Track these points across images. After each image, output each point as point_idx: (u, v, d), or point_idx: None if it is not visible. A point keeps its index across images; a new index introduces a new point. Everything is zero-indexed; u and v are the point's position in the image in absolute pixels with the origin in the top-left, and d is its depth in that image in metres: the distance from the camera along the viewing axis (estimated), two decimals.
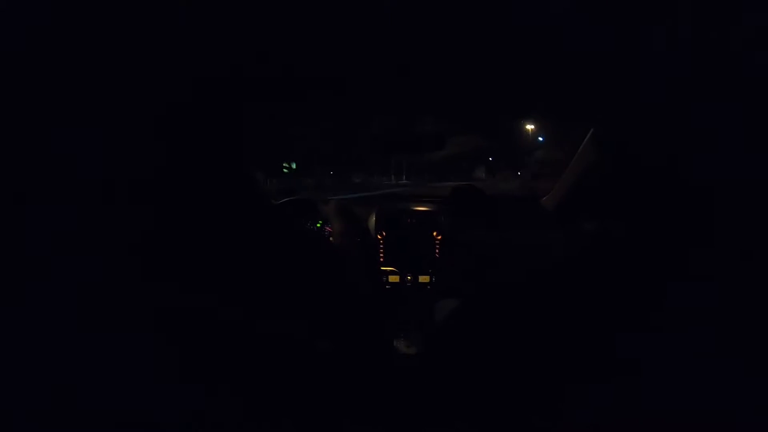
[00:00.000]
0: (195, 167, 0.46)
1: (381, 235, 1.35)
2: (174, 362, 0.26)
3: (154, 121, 0.35)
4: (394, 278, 1.36)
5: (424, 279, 1.36)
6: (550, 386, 0.33)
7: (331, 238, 1.05)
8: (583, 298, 0.35)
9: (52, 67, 0.28)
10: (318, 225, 1.20)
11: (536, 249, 1.35)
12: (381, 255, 1.35)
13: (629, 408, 0.30)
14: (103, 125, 0.30)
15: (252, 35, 0.42)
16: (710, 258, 0.32)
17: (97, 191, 0.29)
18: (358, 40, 0.45)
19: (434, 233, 1.35)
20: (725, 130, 0.33)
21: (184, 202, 0.45)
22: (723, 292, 0.31)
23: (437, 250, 1.35)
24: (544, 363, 0.34)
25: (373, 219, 1.38)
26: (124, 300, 0.27)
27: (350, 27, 0.40)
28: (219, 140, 0.49)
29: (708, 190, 0.33)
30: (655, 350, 0.31)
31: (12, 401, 0.23)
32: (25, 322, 0.25)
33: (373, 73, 0.63)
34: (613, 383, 0.31)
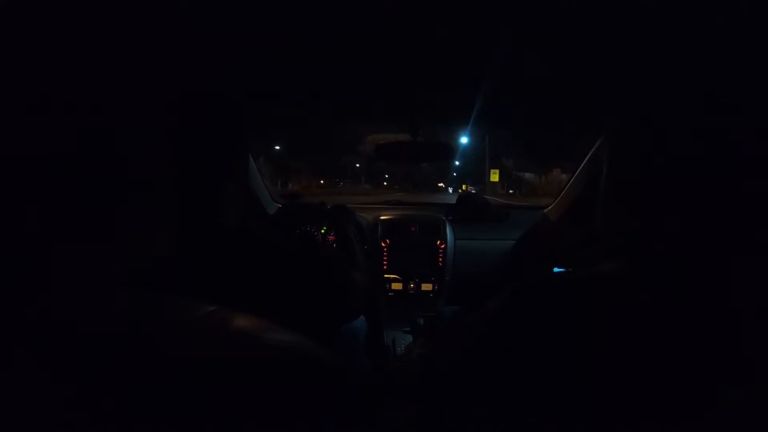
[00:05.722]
0: (199, 172, 0.47)
1: (385, 242, 1.36)
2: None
3: (155, 127, 0.36)
4: (397, 285, 1.37)
5: (426, 287, 1.36)
6: (552, 391, 0.34)
7: (335, 245, 1.07)
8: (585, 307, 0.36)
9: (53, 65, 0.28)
10: (323, 231, 1.21)
11: (537, 257, 1.35)
12: (385, 262, 1.36)
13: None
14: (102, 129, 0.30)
15: (260, 41, 0.43)
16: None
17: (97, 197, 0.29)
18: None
19: (438, 242, 1.36)
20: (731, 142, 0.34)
21: (186, 209, 0.45)
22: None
23: (440, 259, 1.36)
24: (545, 368, 0.35)
25: (377, 226, 1.39)
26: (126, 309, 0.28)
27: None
28: (223, 142, 0.50)
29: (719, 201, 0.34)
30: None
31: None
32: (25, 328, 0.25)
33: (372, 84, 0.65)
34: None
